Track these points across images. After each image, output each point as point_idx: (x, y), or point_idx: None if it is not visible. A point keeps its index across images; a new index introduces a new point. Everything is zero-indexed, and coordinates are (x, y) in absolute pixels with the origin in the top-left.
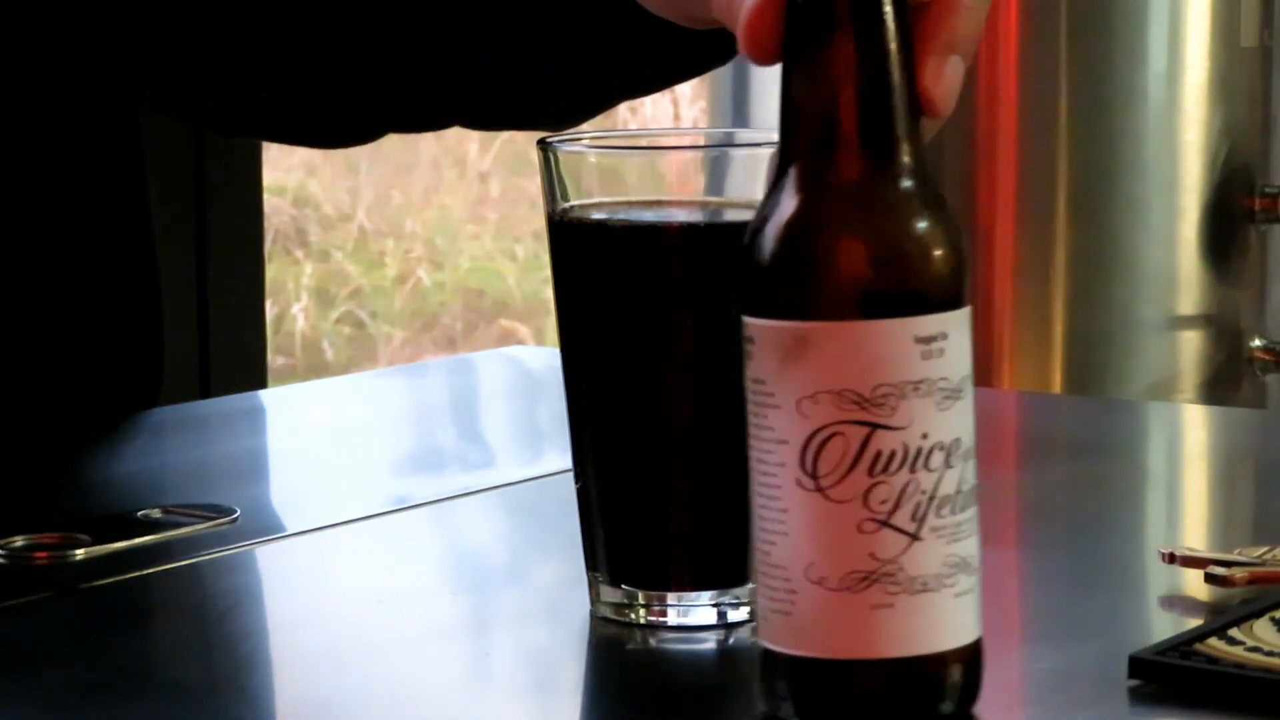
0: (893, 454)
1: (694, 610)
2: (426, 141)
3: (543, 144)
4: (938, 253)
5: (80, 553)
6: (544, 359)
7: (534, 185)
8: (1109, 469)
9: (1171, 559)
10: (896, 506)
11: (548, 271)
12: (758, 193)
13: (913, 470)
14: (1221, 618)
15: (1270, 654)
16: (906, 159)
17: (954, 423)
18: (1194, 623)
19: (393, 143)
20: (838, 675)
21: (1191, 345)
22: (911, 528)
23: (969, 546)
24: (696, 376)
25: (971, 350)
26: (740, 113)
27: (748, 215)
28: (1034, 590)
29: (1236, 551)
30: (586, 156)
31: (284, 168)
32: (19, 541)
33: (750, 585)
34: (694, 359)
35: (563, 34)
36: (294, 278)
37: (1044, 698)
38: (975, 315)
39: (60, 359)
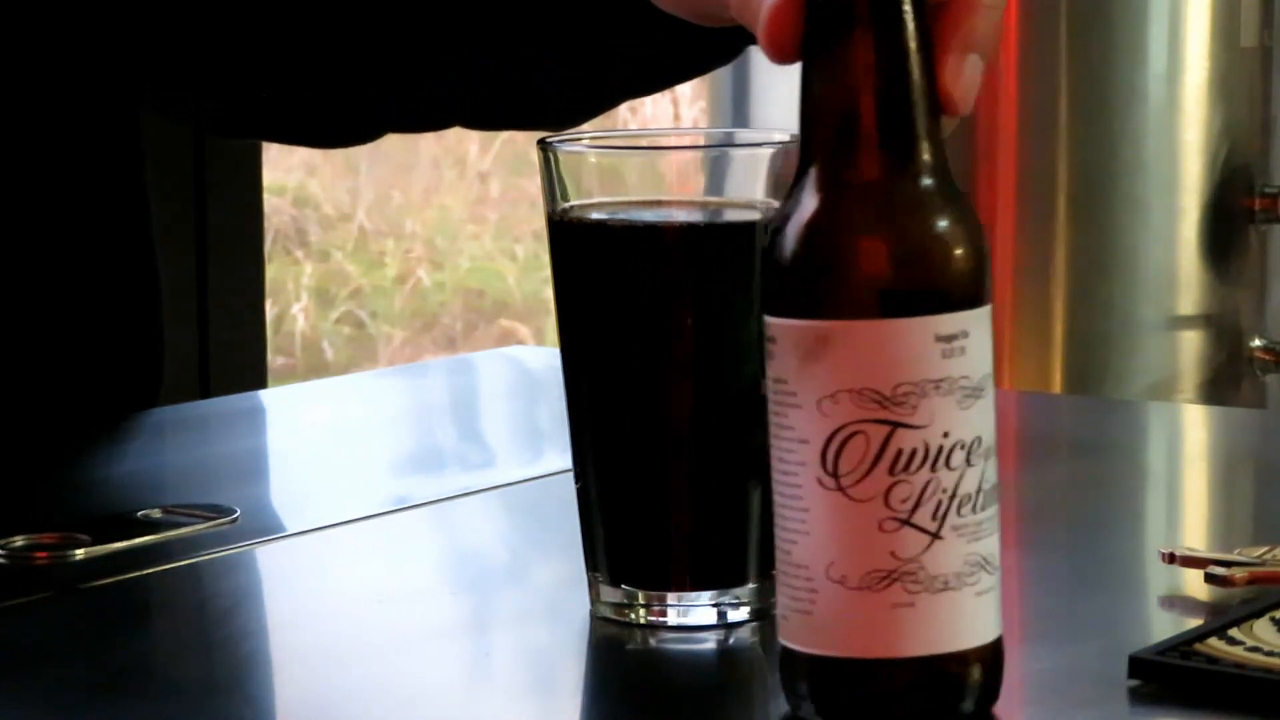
0: (914, 453)
1: (694, 610)
2: (426, 141)
3: (543, 144)
4: (959, 251)
5: (80, 553)
6: (544, 359)
7: (534, 185)
8: (1109, 469)
9: (1171, 559)
10: (917, 505)
11: (548, 271)
12: (758, 192)
13: (934, 469)
14: (1221, 618)
15: (1270, 654)
16: (927, 157)
17: (975, 421)
18: (1194, 623)
19: (393, 143)
20: (858, 674)
21: (1191, 345)
22: (932, 526)
23: (990, 545)
24: (696, 376)
25: (992, 348)
26: (740, 113)
27: (748, 215)
28: (1034, 590)
29: (1236, 551)
30: (586, 156)
31: (284, 168)
32: (19, 541)
33: (750, 585)
34: (694, 359)
35: (563, 34)
36: (294, 278)
37: (1044, 698)
38: None
39: (60, 359)
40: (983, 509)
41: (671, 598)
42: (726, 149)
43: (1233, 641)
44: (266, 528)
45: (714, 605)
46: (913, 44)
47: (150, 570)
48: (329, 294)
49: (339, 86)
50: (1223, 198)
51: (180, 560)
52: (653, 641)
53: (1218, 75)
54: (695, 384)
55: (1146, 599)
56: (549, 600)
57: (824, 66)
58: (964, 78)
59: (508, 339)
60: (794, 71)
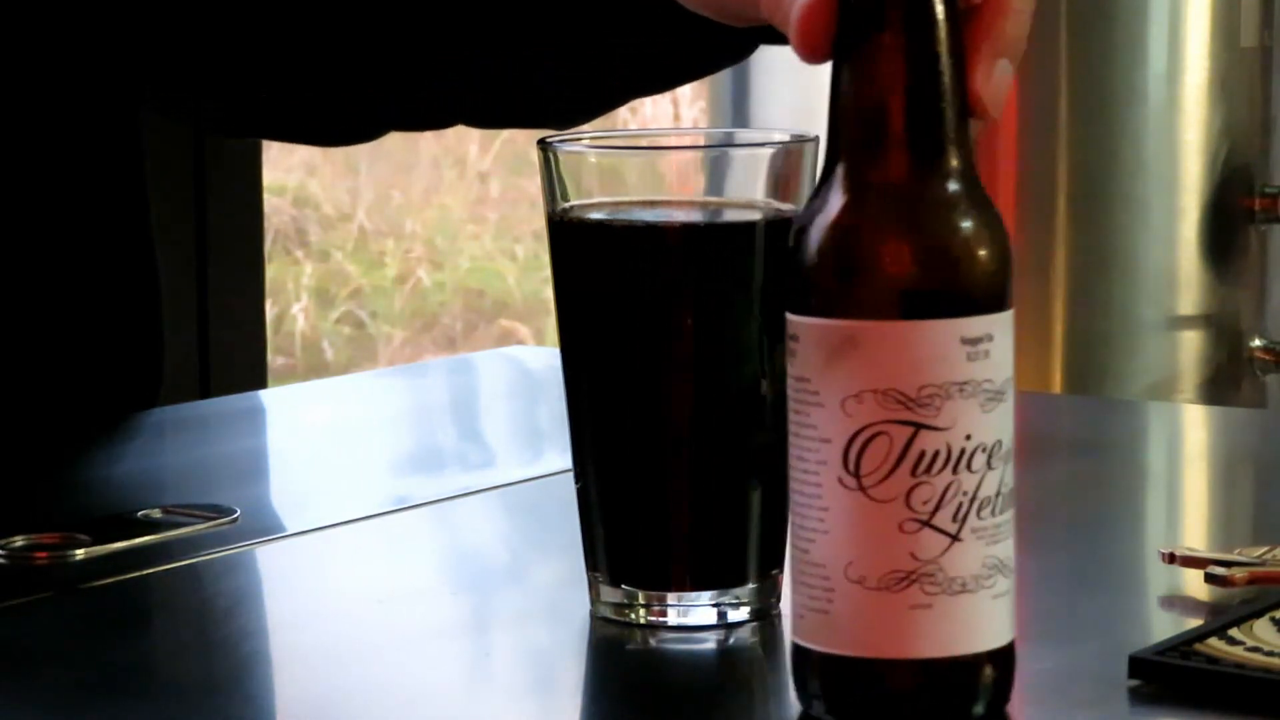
0: (936, 454)
1: (694, 610)
2: (426, 141)
3: (543, 144)
4: (986, 255)
5: (80, 553)
6: (544, 359)
7: (534, 185)
8: (1109, 469)
9: (1171, 559)
10: (938, 507)
11: (548, 271)
12: (758, 193)
13: (955, 471)
14: (1221, 618)
15: (1270, 654)
16: (956, 161)
17: (996, 424)
18: (1194, 623)
19: (393, 142)
20: (873, 674)
21: (1191, 345)
22: (952, 528)
23: (1007, 548)
24: (696, 376)
25: (1013, 352)
26: (740, 113)
27: (748, 215)
28: (1034, 590)
29: (1236, 551)
30: (586, 156)
31: (284, 168)
32: (19, 541)
33: (750, 585)
34: (694, 359)
35: (563, 34)
36: (294, 278)
37: (1044, 698)
38: None
39: (60, 359)
40: (1001, 512)
41: (671, 598)
42: (726, 149)
43: (1233, 641)
44: (266, 528)
45: (714, 605)
46: (944, 47)
47: (150, 570)
48: (329, 294)
49: (339, 86)
50: (1223, 198)
51: (180, 560)
52: (653, 641)
53: (1218, 75)
54: (695, 384)
55: (1146, 599)
56: (549, 600)
57: (855, 67)
58: (994, 82)
59: (508, 339)
60: (793, 72)
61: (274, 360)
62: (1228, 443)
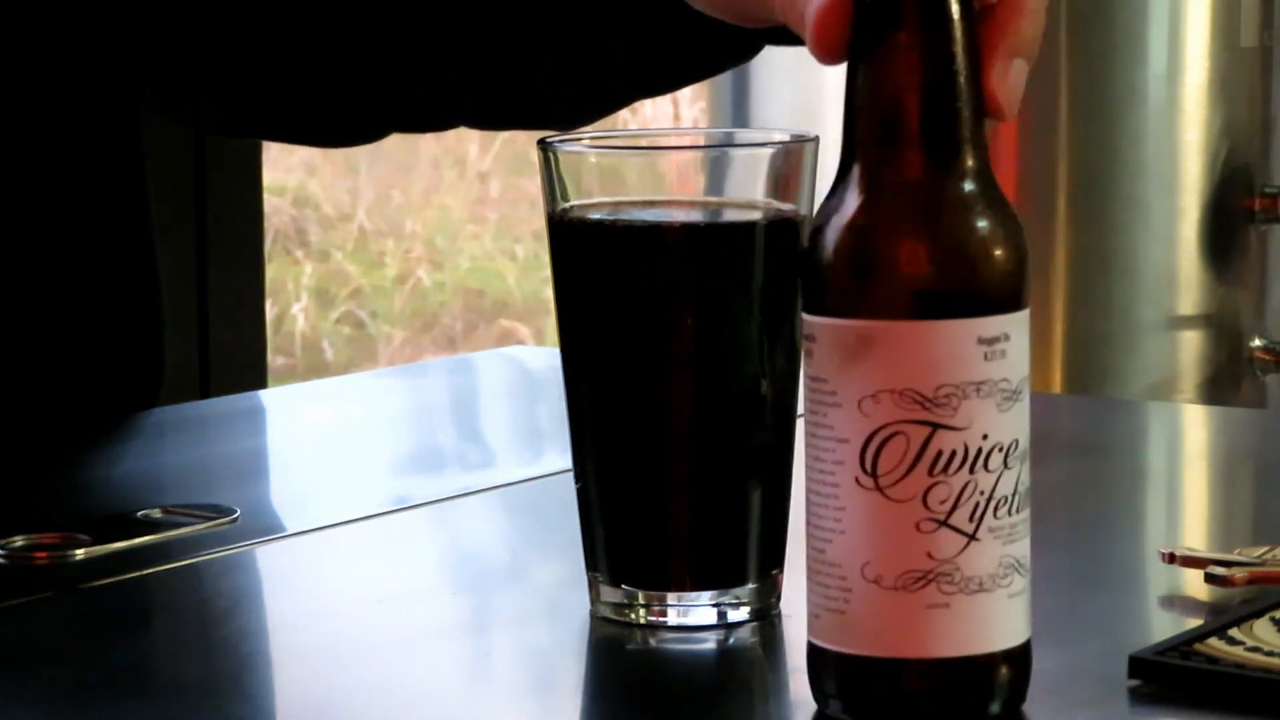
0: (953, 454)
1: (694, 610)
2: (426, 141)
3: (543, 144)
4: (1003, 254)
5: (80, 553)
6: (544, 359)
7: (534, 185)
8: (1109, 469)
9: (1171, 559)
10: (955, 506)
11: (548, 271)
12: (758, 193)
13: (972, 471)
14: (1221, 618)
15: (1270, 654)
16: (971, 160)
17: (1013, 424)
18: (1194, 623)
19: (393, 143)
20: (890, 674)
21: (1191, 345)
22: (969, 528)
23: (1023, 548)
24: (696, 376)
25: (1029, 352)
26: (740, 113)
27: (748, 215)
28: (1034, 590)
29: (1236, 551)
30: (586, 156)
31: (284, 168)
32: (19, 541)
33: (750, 585)
34: (694, 359)
35: (563, 34)
36: (294, 278)
37: (1044, 698)
38: None
39: (60, 359)
40: (1018, 511)
41: (671, 598)
42: (726, 149)
43: (1233, 641)
44: (266, 528)
45: (714, 605)
46: (960, 46)
47: (150, 570)
48: (329, 294)
49: (339, 86)
50: (1223, 198)
51: (180, 560)
52: (653, 641)
53: (1218, 75)
54: (695, 384)
55: (1146, 599)
56: (549, 600)
57: (870, 67)
58: (1009, 82)
59: (508, 339)
60: (793, 72)
61: (274, 360)
62: (1228, 443)
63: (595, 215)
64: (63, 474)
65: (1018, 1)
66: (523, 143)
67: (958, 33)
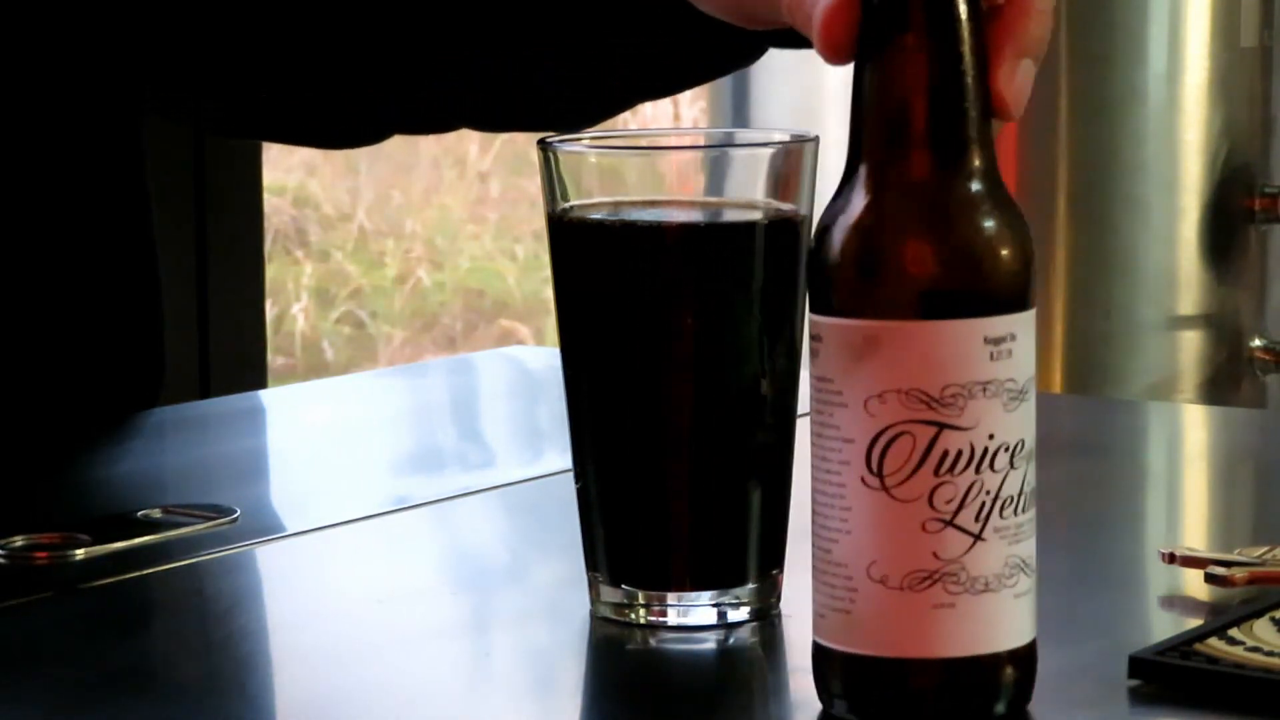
0: (959, 454)
1: (694, 610)
2: (426, 141)
3: (543, 144)
4: (1009, 254)
5: (80, 553)
6: (544, 359)
7: (534, 185)
8: (1109, 469)
9: (1171, 559)
10: (961, 506)
11: (548, 271)
12: (758, 193)
13: (978, 471)
14: (1221, 618)
15: (1270, 654)
16: (978, 160)
17: (1018, 424)
18: (1194, 623)
19: (393, 143)
20: (895, 674)
21: (1191, 345)
22: (975, 528)
23: (1029, 547)
24: (696, 376)
25: (1034, 352)
26: (740, 113)
27: (748, 215)
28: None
29: (1236, 551)
30: (586, 156)
31: (284, 168)
32: (19, 541)
33: (750, 585)
34: (694, 359)
35: (563, 34)
36: (294, 278)
37: (1044, 698)
38: None
39: (61, 359)
40: (1023, 511)
41: (671, 598)
42: (726, 149)
43: (1233, 641)
44: (266, 528)
45: (714, 605)
46: (967, 46)
47: (150, 570)
48: (329, 294)
49: (339, 87)
50: (1223, 198)
51: (180, 560)
52: (653, 641)
53: (1218, 75)
54: (695, 384)
55: (1146, 599)
56: (549, 600)
57: (878, 67)
58: (1017, 82)
59: (508, 339)
60: (793, 72)
61: (274, 360)
62: (1228, 443)
63: (595, 215)
64: (63, 474)
65: (1025, 2)
66: (523, 143)
67: (965, 33)
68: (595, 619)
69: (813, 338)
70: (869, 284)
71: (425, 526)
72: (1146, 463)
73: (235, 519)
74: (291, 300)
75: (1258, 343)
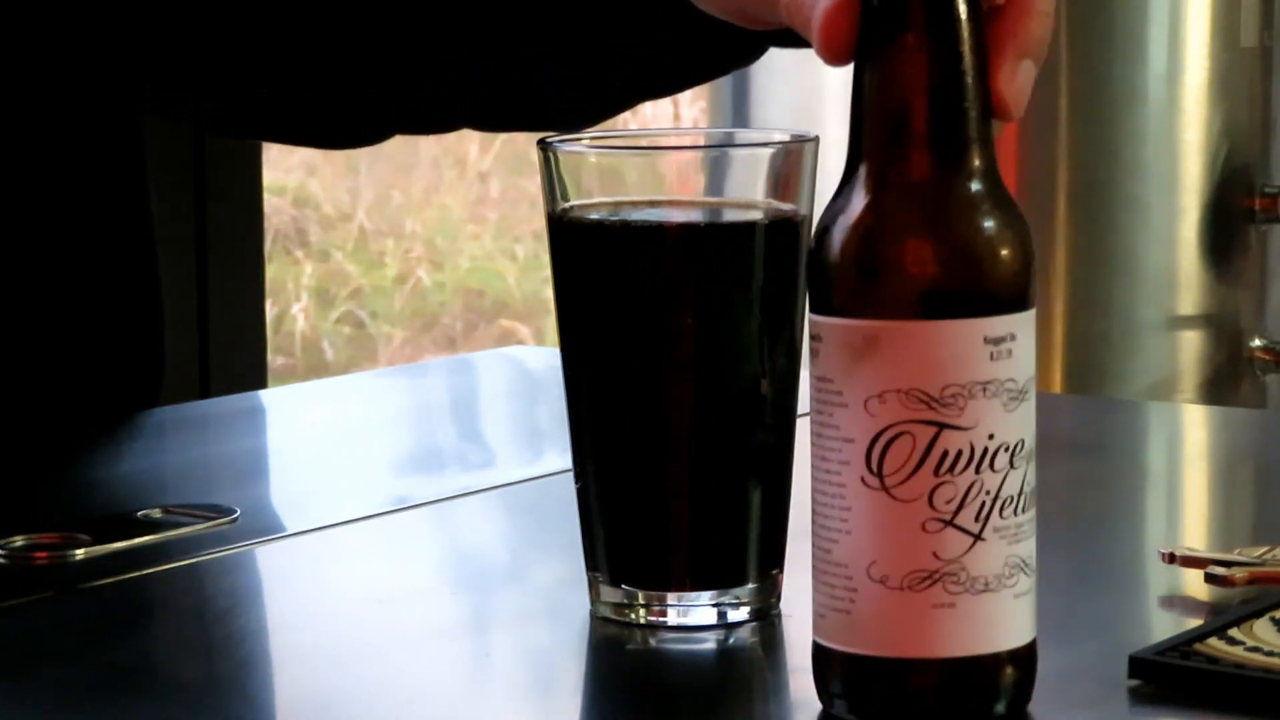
0: (959, 454)
1: (694, 610)
2: (426, 141)
3: (543, 144)
4: (1009, 254)
5: (80, 553)
6: (544, 359)
7: (534, 185)
8: (1109, 469)
9: (1171, 559)
10: (961, 506)
11: (548, 271)
12: (758, 193)
13: (978, 471)
14: (1221, 618)
15: (1270, 654)
16: (978, 160)
17: (1018, 424)
18: (1194, 623)
19: (393, 143)
20: (895, 674)
21: (1191, 345)
22: (975, 528)
23: (1029, 547)
24: (696, 376)
25: (1034, 352)
26: (740, 113)
27: (748, 215)
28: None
29: (1236, 551)
30: (586, 156)
31: (284, 168)
32: (19, 541)
33: (750, 585)
34: (694, 359)
35: (563, 34)
36: (294, 278)
37: (1044, 698)
38: None
39: (61, 359)
40: (1023, 511)
41: (671, 598)
42: (726, 149)
43: (1233, 641)
44: (266, 528)
45: (714, 605)
46: (967, 46)
47: (150, 570)
48: (329, 294)
49: (339, 87)
50: (1223, 198)
51: (180, 560)
52: (653, 641)
53: (1218, 75)
54: (695, 384)
55: (1146, 599)
56: (549, 600)
57: (878, 68)
58: (1017, 83)
59: (508, 339)
60: (793, 72)
61: (274, 360)
62: (1228, 443)
63: (595, 215)
64: (63, 474)
65: (1026, 3)
66: (523, 143)
67: (965, 33)
68: (595, 619)
69: (813, 338)
70: (869, 284)
71: (425, 526)
72: (1146, 463)
73: (235, 519)
74: (291, 300)
75: (1258, 343)
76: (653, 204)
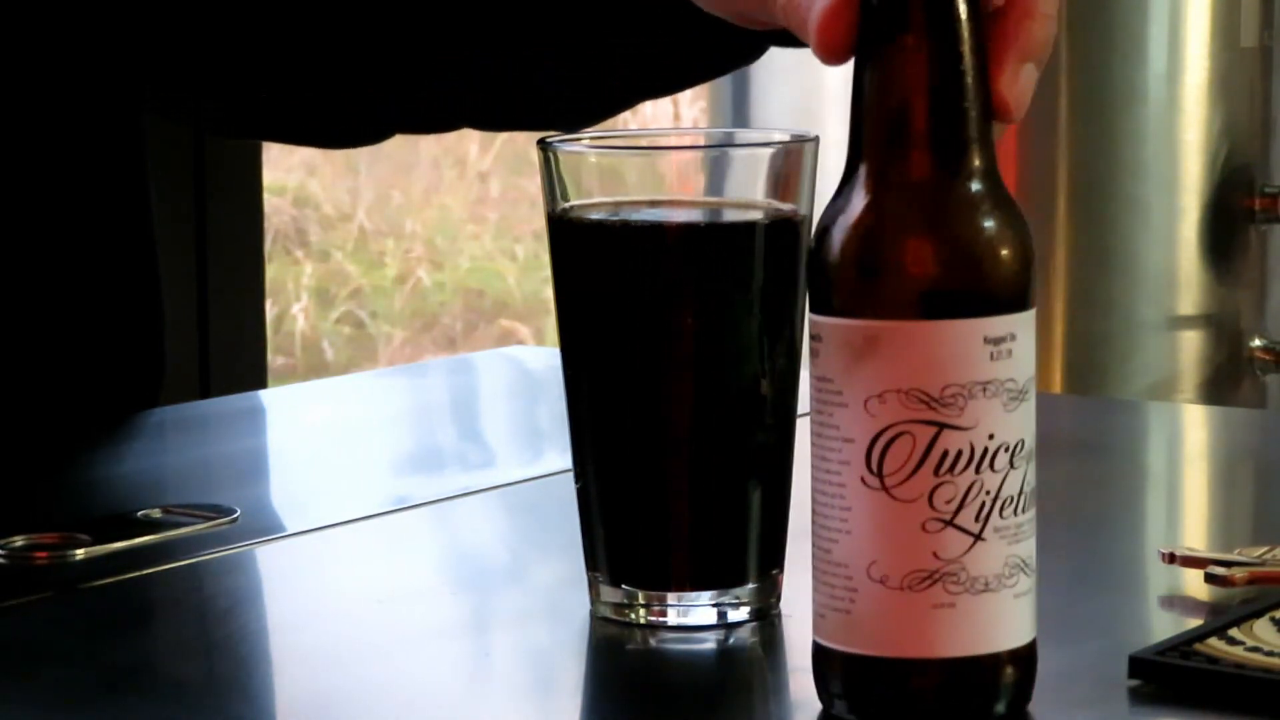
0: (959, 454)
1: (694, 610)
2: (426, 141)
3: (543, 144)
4: (1009, 254)
5: (80, 553)
6: (544, 359)
7: (534, 185)
8: (1109, 469)
9: (1171, 559)
10: (961, 506)
11: (548, 271)
12: (758, 193)
13: (978, 471)
14: (1221, 618)
15: (1270, 654)
16: (978, 160)
17: (1018, 424)
18: (1194, 623)
19: (393, 142)
20: (896, 674)
21: (1191, 345)
22: (975, 528)
23: (1029, 547)
24: (696, 376)
25: (1034, 352)
26: (740, 113)
27: (748, 215)
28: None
29: (1236, 551)
30: (586, 156)
31: (284, 168)
32: (19, 541)
33: (750, 585)
34: (694, 359)
35: (563, 34)
36: (294, 278)
37: (1044, 698)
38: None
39: (61, 359)
40: (1023, 511)
41: (671, 598)
42: (726, 149)
43: (1233, 641)
44: (266, 528)
45: (714, 605)
46: (967, 47)
47: (150, 570)
48: (329, 294)
49: (339, 86)
50: (1223, 198)
51: (180, 560)
52: (653, 641)
53: (1218, 75)
54: (695, 384)
55: (1146, 599)
56: (549, 600)
57: (878, 68)
58: (1019, 85)
59: (508, 339)
60: (793, 72)
61: (274, 360)
62: (1228, 443)
63: (595, 215)
64: (63, 474)
65: (1029, 5)
66: (523, 143)
67: (965, 33)
68: (595, 619)
69: (813, 338)
70: (869, 284)
71: (425, 526)
72: (1146, 463)
73: (235, 519)
74: (291, 300)
75: (1258, 343)
76: (653, 204)
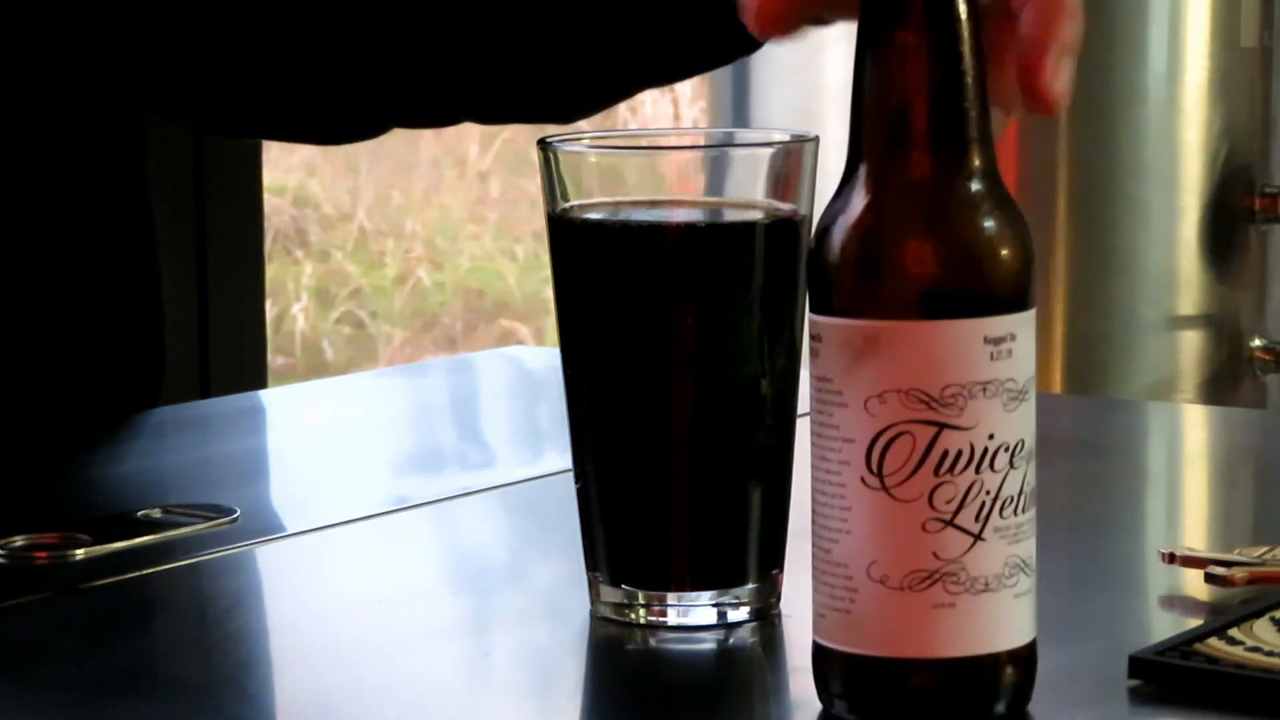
0: (959, 454)
1: (694, 610)
2: (426, 141)
3: (543, 144)
4: (1010, 254)
5: (80, 553)
6: (544, 359)
7: (534, 185)
8: (1109, 469)
9: (1171, 559)
10: (961, 506)
11: (548, 271)
12: (758, 193)
13: (978, 471)
14: (1221, 618)
15: (1270, 654)
16: (978, 160)
17: (1018, 424)
18: (1194, 623)
19: (393, 142)
20: (895, 674)
21: (1191, 345)
22: (975, 528)
23: (1029, 547)
24: (696, 376)
25: (1034, 352)
26: (740, 113)
27: (748, 215)
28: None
29: (1236, 551)
30: (586, 156)
31: (284, 168)
32: (19, 541)
33: (750, 585)
34: (694, 359)
35: (562, 33)
36: (294, 278)
37: (1044, 698)
38: None
39: (61, 359)
40: (1023, 511)
41: (671, 598)
42: (726, 149)
43: (1233, 641)
44: (266, 528)
45: (714, 605)
46: (967, 47)
47: (150, 570)
48: (329, 294)
49: (339, 85)
50: (1223, 198)
51: (180, 560)
52: (653, 641)
53: (1218, 75)
54: (695, 384)
55: (1146, 599)
56: (549, 600)
57: (878, 67)
58: (1062, 78)
59: (508, 339)
60: (794, 72)
61: (274, 360)
62: (1228, 443)
63: (595, 215)
64: (63, 474)
65: (1062, 3)
66: (523, 143)
67: (965, 33)
68: (595, 619)
69: (813, 338)
70: (869, 284)
71: (425, 526)
72: (1146, 463)
73: (235, 519)
74: (291, 300)
75: (1258, 343)
76: (653, 204)
